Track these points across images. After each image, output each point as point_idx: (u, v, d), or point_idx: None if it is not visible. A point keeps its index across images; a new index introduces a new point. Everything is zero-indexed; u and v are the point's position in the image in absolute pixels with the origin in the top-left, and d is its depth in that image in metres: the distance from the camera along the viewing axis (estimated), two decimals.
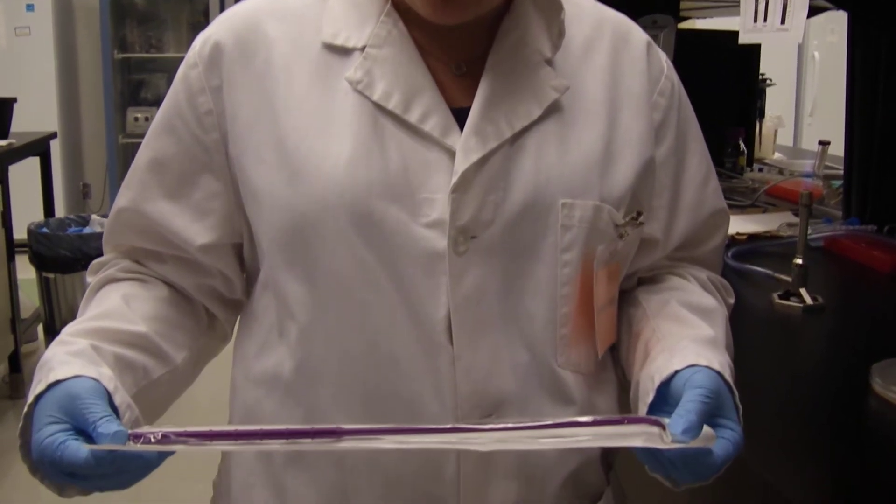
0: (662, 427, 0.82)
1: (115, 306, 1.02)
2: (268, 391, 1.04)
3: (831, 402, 1.24)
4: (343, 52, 0.99)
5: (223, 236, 1.06)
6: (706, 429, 0.84)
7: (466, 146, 0.96)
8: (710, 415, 0.87)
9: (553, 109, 1.00)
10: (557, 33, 1.02)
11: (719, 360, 0.93)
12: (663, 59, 1.09)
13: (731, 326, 1.13)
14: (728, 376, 0.93)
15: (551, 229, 0.98)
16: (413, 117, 0.96)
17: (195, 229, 1.04)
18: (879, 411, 1.16)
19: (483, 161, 0.96)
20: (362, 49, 0.99)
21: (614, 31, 1.07)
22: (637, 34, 1.09)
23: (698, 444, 0.82)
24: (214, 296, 1.11)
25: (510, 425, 0.81)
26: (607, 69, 1.04)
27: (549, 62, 1.01)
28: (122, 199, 1.07)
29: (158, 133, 1.06)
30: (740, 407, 0.92)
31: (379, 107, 0.96)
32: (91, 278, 1.09)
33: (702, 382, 0.89)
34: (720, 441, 0.86)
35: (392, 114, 0.96)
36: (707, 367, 0.91)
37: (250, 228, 1.04)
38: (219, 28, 1.03)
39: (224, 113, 1.01)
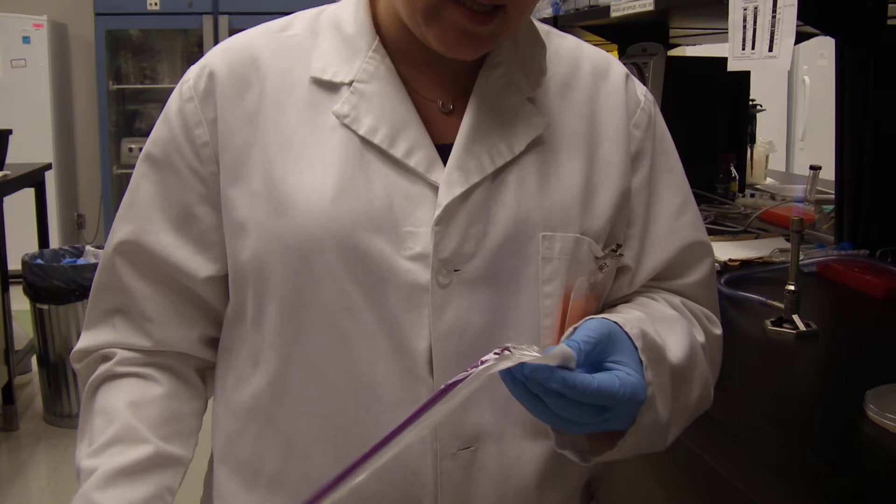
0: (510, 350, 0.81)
1: (123, 425, 1.03)
2: (247, 422, 1.05)
3: (826, 428, 1.24)
4: (331, 86, 1.02)
5: (222, 268, 1.06)
6: (560, 347, 0.84)
7: (449, 180, 0.98)
8: (595, 355, 0.87)
9: (534, 145, 1.02)
10: (538, 71, 1.05)
11: (623, 319, 0.93)
12: (640, 93, 1.11)
13: (724, 353, 1.14)
14: (633, 333, 0.92)
15: (532, 261, 1.00)
16: (398, 152, 0.98)
17: (198, 262, 1.05)
18: (874, 437, 1.15)
19: (466, 195, 0.98)
20: (350, 84, 1.01)
21: (594, 67, 1.10)
22: (616, 69, 1.11)
23: (550, 361, 0.82)
24: (207, 343, 1.11)
25: (426, 405, 0.82)
26: (586, 104, 1.06)
27: (531, 99, 1.04)
28: (121, 232, 1.07)
29: (156, 166, 1.06)
30: (644, 362, 0.91)
31: (365, 141, 0.99)
32: (78, 365, 1.10)
33: (585, 327, 0.89)
34: (607, 374, 0.86)
35: (378, 148, 0.98)
36: (597, 317, 0.92)
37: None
38: (214, 60, 1.05)
39: (217, 144, 1.02)
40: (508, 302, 1.00)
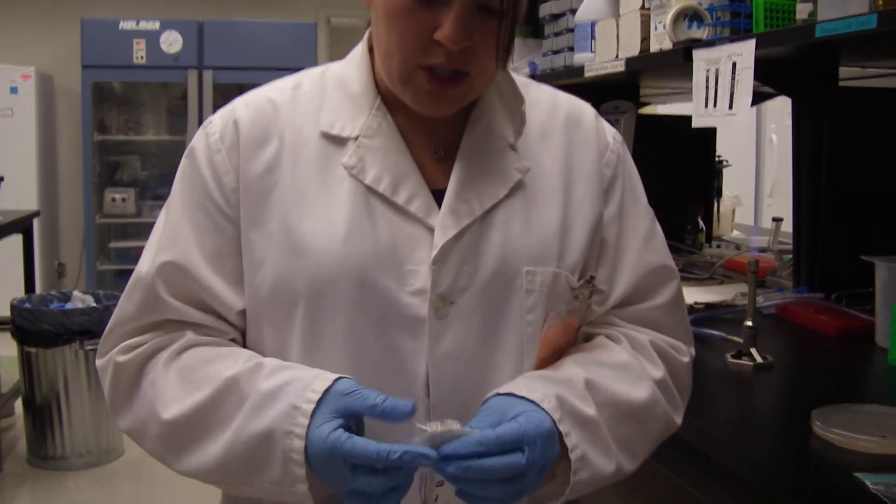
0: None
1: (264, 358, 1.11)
2: None
3: (779, 442, 1.38)
4: (339, 140, 1.14)
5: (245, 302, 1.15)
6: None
7: (444, 224, 1.11)
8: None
9: (517, 188, 1.15)
10: (519, 121, 1.19)
11: (542, 394, 1.04)
12: (609, 135, 1.24)
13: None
14: (550, 406, 1.03)
15: (517, 293, 1.13)
16: (400, 199, 1.11)
17: (233, 296, 1.14)
18: (819, 448, 1.29)
19: (458, 236, 1.11)
20: (356, 138, 1.14)
21: (568, 114, 1.23)
22: (587, 115, 1.24)
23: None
24: None
25: None
26: (562, 149, 1.20)
27: (513, 147, 1.17)
28: (164, 255, 1.14)
29: (190, 209, 1.15)
30: (563, 431, 1.03)
31: (370, 189, 1.11)
32: (124, 356, 1.13)
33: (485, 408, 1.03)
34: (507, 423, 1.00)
35: (382, 195, 1.11)
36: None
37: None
38: (239, 113, 1.16)
39: (239, 190, 1.14)
40: (496, 329, 1.13)
